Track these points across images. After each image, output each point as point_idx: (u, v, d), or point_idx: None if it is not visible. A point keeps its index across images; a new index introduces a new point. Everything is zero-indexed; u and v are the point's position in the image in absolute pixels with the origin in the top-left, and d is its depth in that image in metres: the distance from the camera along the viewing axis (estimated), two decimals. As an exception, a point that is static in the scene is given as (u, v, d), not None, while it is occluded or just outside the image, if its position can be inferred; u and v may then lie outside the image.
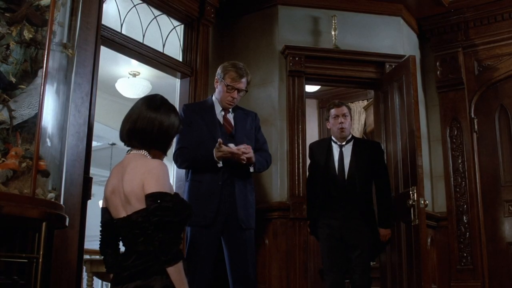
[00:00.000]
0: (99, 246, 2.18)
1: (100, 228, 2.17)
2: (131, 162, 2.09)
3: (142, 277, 1.95)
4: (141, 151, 2.13)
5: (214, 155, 3.26)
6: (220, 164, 3.29)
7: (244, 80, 3.47)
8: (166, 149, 2.23)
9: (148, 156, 2.12)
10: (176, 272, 1.93)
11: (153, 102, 2.18)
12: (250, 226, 3.39)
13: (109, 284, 6.23)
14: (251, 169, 3.39)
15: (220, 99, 3.50)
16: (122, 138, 2.19)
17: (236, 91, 3.45)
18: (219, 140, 3.26)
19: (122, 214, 2.05)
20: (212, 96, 3.60)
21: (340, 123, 3.93)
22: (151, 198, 1.96)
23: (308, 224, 4.00)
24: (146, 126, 2.11)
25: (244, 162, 3.30)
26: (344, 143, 3.96)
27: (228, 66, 3.50)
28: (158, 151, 2.18)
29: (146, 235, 1.94)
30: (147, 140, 2.14)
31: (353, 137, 4.05)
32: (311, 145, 4.20)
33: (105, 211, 2.15)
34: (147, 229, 1.93)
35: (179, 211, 2.04)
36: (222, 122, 3.49)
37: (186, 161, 3.40)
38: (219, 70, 3.52)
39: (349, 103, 6.68)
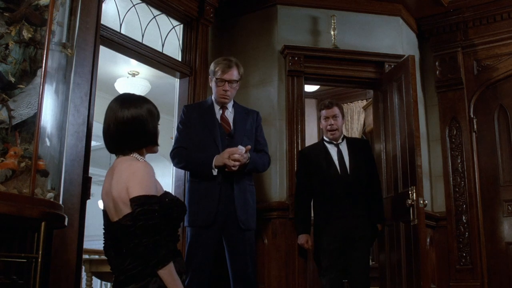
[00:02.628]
0: (103, 248, 2.17)
1: (103, 231, 2.17)
2: (118, 165, 2.08)
3: (137, 280, 1.95)
4: (131, 154, 2.12)
5: (214, 162, 3.25)
6: (215, 172, 3.27)
7: (232, 71, 3.43)
8: (156, 140, 2.19)
9: (138, 157, 2.11)
10: (166, 274, 1.93)
11: (124, 101, 2.14)
12: (250, 227, 3.38)
13: (108, 283, 6.26)
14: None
15: (215, 96, 3.49)
16: (111, 149, 2.15)
17: (226, 83, 3.42)
18: (244, 148, 3.26)
19: (115, 218, 2.05)
20: (211, 96, 3.61)
21: (330, 125, 3.91)
22: (135, 202, 1.94)
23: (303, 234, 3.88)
24: (128, 126, 2.07)
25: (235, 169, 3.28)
26: (340, 141, 3.96)
27: (216, 61, 3.49)
28: (149, 146, 2.17)
29: (136, 239, 1.93)
30: (137, 141, 2.11)
31: (345, 136, 4.05)
32: (304, 150, 4.14)
33: (104, 213, 2.15)
34: (134, 233, 1.92)
35: (168, 212, 2.03)
36: (220, 122, 3.48)
37: (182, 161, 3.39)
38: (211, 67, 3.50)
39: (348, 103, 6.73)
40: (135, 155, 2.11)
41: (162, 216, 1.98)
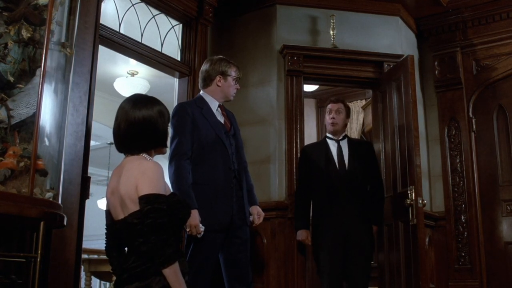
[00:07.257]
0: (105, 249, 2.17)
1: (105, 231, 2.17)
2: (127, 163, 2.09)
3: (140, 279, 1.94)
4: (140, 154, 2.12)
5: (190, 218, 2.85)
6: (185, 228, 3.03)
7: None
8: (165, 141, 2.21)
9: (148, 157, 2.12)
10: (171, 274, 1.92)
11: (136, 101, 2.15)
12: (248, 222, 3.35)
13: (107, 283, 6.26)
14: None
15: (229, 93, 3.36)
16: (120, 148, 2.16)
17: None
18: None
19: (121, 216, 2.05)
20: (201, 94, 3.42)
21: (331, 118, 3.98)
22: (144, 200, 1.95)
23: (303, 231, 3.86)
24: (138, 127, 2.08)
25: None
26: (341, 138, 3.98)
27: (226, 61, 3.41)
28: (158, 148, 2.18)
29: (142, 237, 1.93)
30: (146, 142, 2.12)
31: (346, 135, 4.08)
32: (306, 147, 4.19)
33: (107, 213, 2.15)
34: (142, 230, 1.93)
35: (175, 212, 2.04)
36: (222, 122, 3.43)
37: (176, 177, 3.11)
38: (221, 68, 3.35)
39: (347, 103, 6.72)
40: (144, 155, 2.12)
41: (169, 215, 1.99)
